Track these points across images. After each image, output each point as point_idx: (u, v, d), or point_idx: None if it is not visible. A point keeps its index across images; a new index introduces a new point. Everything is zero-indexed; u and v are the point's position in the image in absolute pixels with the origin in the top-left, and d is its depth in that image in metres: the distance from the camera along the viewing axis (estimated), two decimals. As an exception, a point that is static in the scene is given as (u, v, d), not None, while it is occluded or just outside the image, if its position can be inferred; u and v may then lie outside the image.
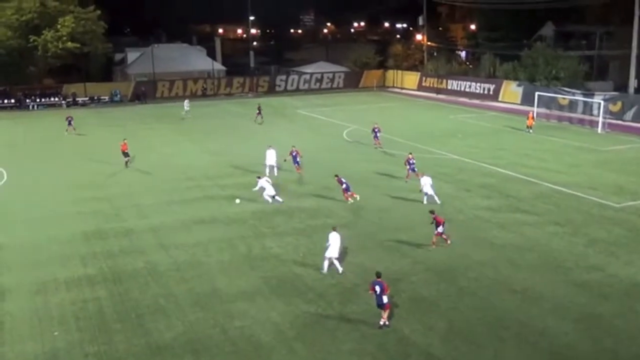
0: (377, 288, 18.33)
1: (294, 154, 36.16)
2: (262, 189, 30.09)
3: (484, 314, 19.21)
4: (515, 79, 68.97)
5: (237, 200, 30.30)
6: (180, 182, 34.89)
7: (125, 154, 39.24)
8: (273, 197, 30.05)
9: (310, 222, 27.49)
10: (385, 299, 18.32)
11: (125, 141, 40.10)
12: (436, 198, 30.07)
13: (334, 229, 22.56)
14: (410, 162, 34.04)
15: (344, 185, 30.41)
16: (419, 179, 30.78)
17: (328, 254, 22.11)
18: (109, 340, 17.86)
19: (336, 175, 31.36)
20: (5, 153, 43.40)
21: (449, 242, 24.60)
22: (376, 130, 43.95)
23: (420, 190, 30.14)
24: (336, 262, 22.20)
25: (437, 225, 24.24)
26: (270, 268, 22.70)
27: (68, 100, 70.56)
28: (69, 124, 51.88)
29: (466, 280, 21.55)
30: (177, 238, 25.74)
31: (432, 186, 30.13)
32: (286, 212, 28.99)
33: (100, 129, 53.72)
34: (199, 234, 26.15)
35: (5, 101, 68.52)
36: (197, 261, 23.39)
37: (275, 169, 35.56)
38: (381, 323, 18.42)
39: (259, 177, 30.80)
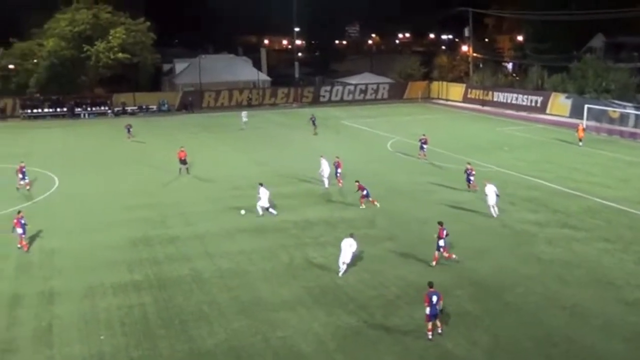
0: (434, 298, 18.19)
1: (335, 164, 36.21)
2: (259, 198, 30.09)
3: (531, 330, 18.79)
4: (564, 91, 67.61)
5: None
6: (226, 191, 35.25)
7: (183, 162, 39.66)
8: (267, 209, 29.96)
9: (353, 232, 27.34)
10: (438, 308, 18.24)
11: (183, 148, 40.51)
12: (495, 210, 29.52)
13: (351, 236, 23.29)
14: (469, 172, 33.75)
15: (365, 192, 31.12)
16: (473, 191, 30.68)
17: (342, 259, 22.95)
18: (153, 346, 18.12)
19: (357, 181, 31.95)
20: (57, 160, 44.63)
21: (453, 256, 23.65)
22: (422, 141, 43.73)
23: (487, 203, 29.57)
24: (344, 266, 22.91)
25: (439, 239, 23.42)
26: (313, 278, 22.71)
27: (117, 109, 72.21)
28: (128, 131, 53.48)
29: (513, 296, 21.13)
30: (221, 246, 26.00)
31: (498, 196, 29.52)
32: (328, 222, 28.98)
33: (149, 138, 54.72)
34: (243, 243, 26.36)
35: (58, 110, 70.53)
36: (241, 269, 23.56)
37: (326, 180, 35.37)
38: (436, 333, 18.26)
39: (260, 184, 30.64)
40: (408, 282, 22.17)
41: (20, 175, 35.17)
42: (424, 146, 43.45)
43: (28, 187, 35.47)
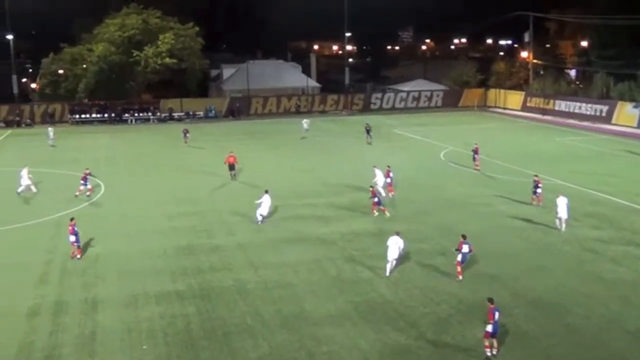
0: (497, 315, 18.00)
1: (385, 173, 36.25)
2: (259, 204, 30.63)
3: (590, 353, 18.26)
4: (631, 100, 65.82)
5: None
6: (271, 200, 35.45)
7: (232, 167, 40.29)
8: (263, 217, 30.54)
9: (404, 246, 27.16)
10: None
11: (232, 153, 41.06)
12: (562, 224, 29.03)
13: (397, 234, 24.35)
14: (536, 185, 33.28)
15: (376, 199, 31.74)
16: (537, 205, 31.41)
17: (389, 256, 23.90)
18: (195, 357, 18.32)
19: (371, 187, 33.02)
20: (104, 166, 45.78)
21: (460, 277, 23.36)
22: (474, 151, 43.43)
23: (556, 216, 29.18)
24: (389, 265, 23.97)
25: (458, 253, 23.49)
26: (360, 292, 22.61)
27: (164, 115, 73.67)
28: (185, 135, 54.78)
29: (572, 316, 20.58)
30: (265, 257, 26.18)
31: (568, 208, 29.08)
32: (377, 235, 28.82)
33: (196, 144, 55.57)
34: (288, 254, 26.48)
35: (105, 115, 72.46)
36: (286, 281, 23.67)
37: (382, 190, 35.32)
38: (493, 352, 17.99)
39: (266, 192, 31.38)
40: (460, 299, 21.88)
41: (82, 182, 36.14)
42: (476, 156, 43.15)
43: (89, 194, 36.46)
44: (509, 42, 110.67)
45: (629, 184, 38.63)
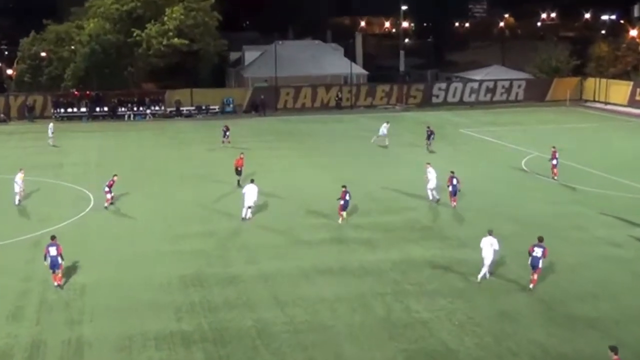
0: None
1: (450, 179, 36.87)
2: (243, 195, 34.73)
3: None
4: None
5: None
6: (303, 218, 35.61)
7: (238, 172, 41.19)
8: (248, 208, 34.72)
9: (471, 280, 27.10)
10: None
11: (242, 155, 42.09)
12: None
13: (490, 233, 26.81)
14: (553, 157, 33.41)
15: (342, 202, 34.40)
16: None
17: (485, 260, 26.59)
18: (204, 418, 18.38)
19: (344, 186, 34.90)
20: (94, 173, 46.39)
21: (531, 286, 25.68)
22: (555, 155, 43.66)
23: None
24: (486, 270, 26.78)
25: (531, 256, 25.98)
26: (416, 339, 22.52)
27: (171, 110, 74.46)
28: (225, 135, 55.86)
29: (693, 376, 20.11)
30: (295, 291, 26.20)
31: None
32: (438, 265, 28.66)
33: (208, 147, 56.01)
34: (324, 288, 26.45)
35: (97, 109, 73.49)
36: (320, 323, 23.65)
37: (430, 192, 37.96)
38: None
39: (252, 181, 35.50)
40: (546, 349, 21.63)
41: (107, 189, 37.37)
42: (554, 162, 43.38)
43: (107, 204, 37.44)
44: (613, 17, 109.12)
45: None
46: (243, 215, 35.01)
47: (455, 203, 37.25)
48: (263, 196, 38.65)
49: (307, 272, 28.11)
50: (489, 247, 26.64)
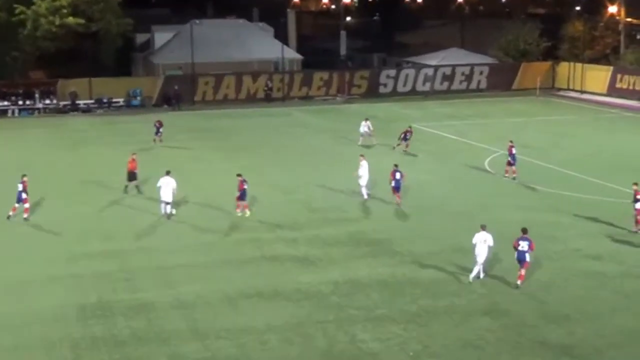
0: None
1: (392, 174, 38.52)
2: (158, 189, 37.03)
3: None
4: None
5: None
6: (228, 233, 35.54)
7: (132, 176, 41.71)
8: (168, 204, 37.01)
9: (426, 303, 27.36)
10: None
11: (134, 157, 42.37)
12: None
13: (483, 228, 28.93)
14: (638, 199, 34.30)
15: (238, 193, 37.18)
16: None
17: (479, 258, 28.69)
18: None
19: (239, 175, 37.70)
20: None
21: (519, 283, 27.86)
22: (513, 150, 44.98)
23: None
24: (480, 268, 28.80)
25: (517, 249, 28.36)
26: (363, 374, 22.65)
27: (65, 103, 73.48)
28: (157, 131, 56.07)
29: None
30: (218, 320, 26.10)
31: None
32: (389, 285, 28.88)
33: (110, 150, 55.52)
34: (253, 316, 26.41)
35: (-29, 105, 72.19)
36: (249, 358, 23.60)
37: (364, 190, 40.12)
38: None
39: (167, 173, 37.50)
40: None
41: (24, 195, 37.46)
42: (510, 159, 44.89)
43: (26, 215, 37.46)
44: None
45: None
46: (162, 213, 36.97)
47: (399, 200, 38.58)
48: (177, 208, 38.51)
49: (233, 297, 28.00)
50: (482, 243, 28.47)
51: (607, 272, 30.20)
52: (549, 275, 29.84)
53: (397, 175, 38.86)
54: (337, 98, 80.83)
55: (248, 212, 37.63)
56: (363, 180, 40.22)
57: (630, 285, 28.98)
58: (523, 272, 28.26)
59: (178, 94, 76.21)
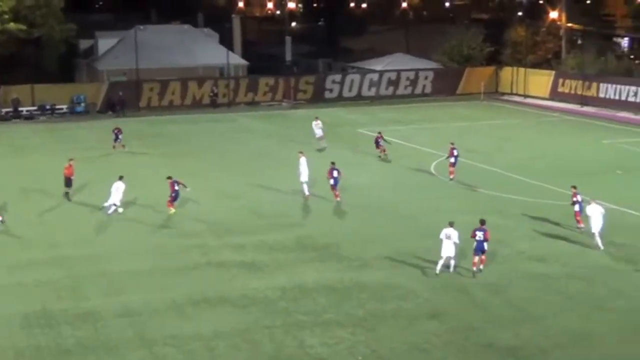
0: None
1: (334, 174, 39.84)
2: (110, 193, 38.42)
3: None
4: None
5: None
6: (173, 239, 35.37)
7: (68, 182, 41.72)
8: (117, 207, 38.57)
9: (373, 307, 27.48)
10: None
11: (72, 162, 42.09)
12: (600, 241, 32.87)
13: (451, 225, 30.16)
14: (576, 201, 35.84)
15: (173, 194, 38.85)
16: (578, 230, 34.89)
17: (443, 252, 29.86)
18: None
19: (169, 177, 39.44)
20: None
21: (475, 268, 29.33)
22: (454, 152, 45.86)
23: (590, 231, 33.14)
24: (452, 262, 30.15)
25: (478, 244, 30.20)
26: (311, 379, 22.70)
27: (7, 110, 72.58)
28: (116, 138, 55.64)
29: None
30: (165, 327, 25.93)
31: (604, 217, 33.40)
32: (337, 290, 28.95)
33: (53, 156, 54.87)
34: (200, 323, 26.31)
35: None
36: (196, 365, 23.52)
37: (305, 187, 41.47)
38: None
39: (120, 178, 39.24)
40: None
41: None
42: (452, 160, 45.77)
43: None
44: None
45: None
46: (109, 212, 38.57)
47: (338, 198, 39.78)
48: (123, 214, 38.28)
49: (180, 304, 27.85)
50: (446, 239, 29.94)
51: (552, 274, 30.59)
52: (494, 278, 30.11)
53: (335, 173, 40.01)
54: (283, 103, 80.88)
55: (173, 210, 39.14)
56: (303, 177, 41.36)
57: (574, 286, 29.36)
58: (484, 257, 30.27)
59: (122, 100, 75.64)
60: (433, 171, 48.76)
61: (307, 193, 41.32)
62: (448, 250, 29.91)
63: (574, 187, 36.32)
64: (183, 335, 25.35)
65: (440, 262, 29.97)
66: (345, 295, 28.61)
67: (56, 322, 26.50)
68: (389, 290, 28.92)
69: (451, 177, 45.75)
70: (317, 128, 57.12)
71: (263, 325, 26.08)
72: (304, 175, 41.45)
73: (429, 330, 25.60)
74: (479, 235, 29.99)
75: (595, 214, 33.05)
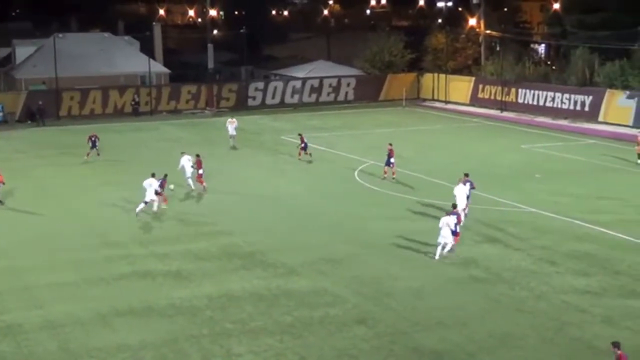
0: None
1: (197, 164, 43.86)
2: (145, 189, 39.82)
3: None
4: (625, 87, 69.34)
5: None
6: (97, 249, 34.90)
7: None
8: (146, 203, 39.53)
9: (301, 314, 27.46)
10: None
11: None
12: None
13: (448, 214, 33.06)
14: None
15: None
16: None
17: (441, 239, 32.42)
18: None
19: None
20: None
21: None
22: (390, 154, 47.36)
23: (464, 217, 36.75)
24: (447, 247, 32.63)
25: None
26: (240, 387, 22.60)
27: None
28: (93, 145, 55.05)
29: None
30: (90, 339, 25.57)
31: (470, 196, 37.94)
32: (264, 298, 28.88)
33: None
34: (126, 333, 26.00)
35: None
36: (123, 376, 23.27)
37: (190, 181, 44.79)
38: None
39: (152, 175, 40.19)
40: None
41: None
42: (392, 160, 47.37)
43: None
44: (450, 4, 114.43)
45: (626, 209, 40.70)
46: (154, 209, 40.32)
47: (204, 184, 44.89)
48: (44, 226, 37.67)
49: (104, 315, 27.50)
50: (446, 227, 32.46)
51: (476, 278, 30.93)
52: (420, 282, 30.33)
53: (197, 169, 44.80)
54: (206, 111, 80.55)
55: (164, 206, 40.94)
56: (187, 173, 44.76)
57: (497, 289, 29.71)
58: (457, 238, 33.43)
59: (42, 109, 74.54)
60: (357, 178, 48.97)
61: (192, 187, 44.96)
62: (446, 236, 32.49)
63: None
64: (109, 346, 25.02)
65: (439, 249, 32.56)
66: (272, 302, 28.56)
67: (-23, 336, 25.99)
68: (316, 297, 28.96)
69: (385, 176, 47.85)
70: (232, 127, 59.96)
71: (190, 334, 25.90)
72: (187, 171, 44.87)
73: (357, 335, 25.68)
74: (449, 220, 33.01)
75: (460, 193, 37.41)
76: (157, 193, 39.75)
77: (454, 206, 34.80)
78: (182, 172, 44.85)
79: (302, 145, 54.59)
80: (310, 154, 54.33)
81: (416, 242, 35.34)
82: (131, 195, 44.05)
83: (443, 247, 32.70)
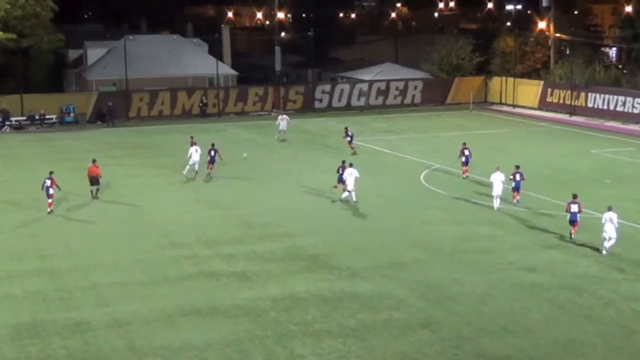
0: None
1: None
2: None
3: None
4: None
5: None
6: (163, 250, 35.27)
7: (94, 181, 43.26)
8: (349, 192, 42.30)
9: (365, 317, 27.39)
10: None
11: (96, 163, 43.79)
12: (497, 202, 39.33)
13: (610, 209, 33.57)
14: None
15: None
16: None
17: (605, 234, 33.41)
18: None
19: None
20: None
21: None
22: (465, 151, 48.41)
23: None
24: (612, 241, 33.29)
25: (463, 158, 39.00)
26: (302, 389, 22.64)
27: (-4, 120, 72.59)
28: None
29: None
30: (155, 338, 25.84)
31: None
32: (328, 300, 28.90)
33: (43, 165, 54.71)
34: (191, 333, 26.23)
35: None
36: (187, 376, 23.45)
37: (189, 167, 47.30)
38: None
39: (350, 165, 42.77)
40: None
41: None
42: (463, 159, 48.59)
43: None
44: (519, 7, 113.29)
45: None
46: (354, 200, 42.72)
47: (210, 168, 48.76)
48: (112, 230, 38.12)
49: (170, 314, 27.76)
50: (609, 222, 33.26)
51: (542, 284, 30.60)
52: (484, 288, 30.10)
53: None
54: (273, 113, 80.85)
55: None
56: (193, 160, 49.17)
57: (564, 296, 29.37)
58: (576, 229, 35.47)
59: (112, 110, 75.58)
60: (423, 181, 48.78)
61: (185, 174, 48.95)
62: (610, 231, 33.18)
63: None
64: (174, 346, 25.26)
65: (605, 243, 33.38)
66: (336, 305, 28.56)
67: (46, 333, 26.36)
68: (380, 300, 28.90)
69: (464, 175, 48.68)
70: (283, 122, 63.68)
71: (254, 335, 26.02)
72: (193, 159, 49.24)
73: (420, 339, 25.57)
74: (573, 207, 34.97)
75: (497, 180, 40.46)
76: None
77: (575, 196, 35.79)
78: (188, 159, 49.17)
79: (348, 138, 56.26)
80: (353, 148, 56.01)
81: (480, 248, 35.12)
82: (197, 196, 44.52)
83: (608, 241, 33.49)
